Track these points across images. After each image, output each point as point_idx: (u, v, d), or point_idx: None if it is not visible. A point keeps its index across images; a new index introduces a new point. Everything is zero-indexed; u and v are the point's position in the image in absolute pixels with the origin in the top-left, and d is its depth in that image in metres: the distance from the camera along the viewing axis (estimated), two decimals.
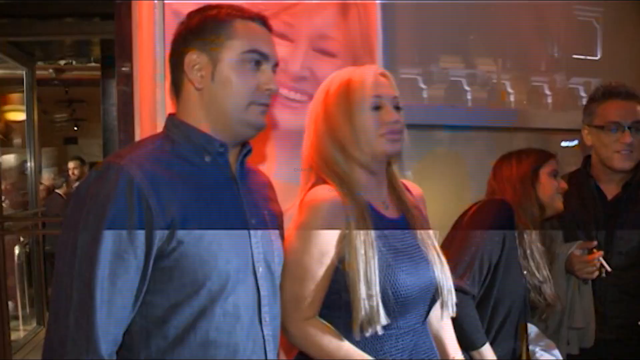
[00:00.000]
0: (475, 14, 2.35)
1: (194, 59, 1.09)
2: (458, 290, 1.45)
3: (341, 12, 1.75)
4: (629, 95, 1.84)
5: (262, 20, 1.15)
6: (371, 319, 1.20)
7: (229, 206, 1.12)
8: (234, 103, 1.10)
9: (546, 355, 1.68)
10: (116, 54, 1.78)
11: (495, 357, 1.57)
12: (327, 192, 1.26)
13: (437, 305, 1.36)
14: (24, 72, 4.25)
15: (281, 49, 1.61)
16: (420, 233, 1.33)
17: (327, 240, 1.23)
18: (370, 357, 1.21)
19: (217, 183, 1.11)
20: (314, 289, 1.23)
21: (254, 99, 1.10)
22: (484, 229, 1.64)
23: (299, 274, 1.23)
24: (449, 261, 1.42)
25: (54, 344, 0.96)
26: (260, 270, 1.13)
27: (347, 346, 1.22)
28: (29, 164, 4.71)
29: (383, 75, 1.32)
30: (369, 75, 1.29)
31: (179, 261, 1.02)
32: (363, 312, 1.19)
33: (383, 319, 1.20)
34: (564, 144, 2.61)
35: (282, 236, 1.25)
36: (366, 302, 1.19)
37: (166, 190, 1.01)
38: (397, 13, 2.10)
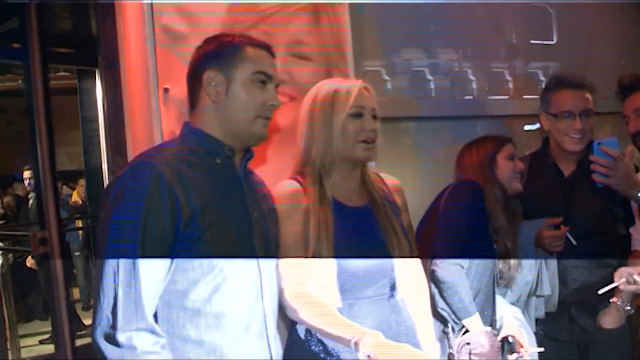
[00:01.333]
0: (433, 6, 2.46)
1: (211, 76, 1.29)
2: (449, 264, 1.65)
3: (314, 19, 1.90)
4: (579, 85, 2.00)
5: (267, 47, 1.35)
6: (329, 292, 1.40)
7: (236, 201, 1.31)
8: (243, 115, 1.30)
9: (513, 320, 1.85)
10: (102, 61, 1.87)
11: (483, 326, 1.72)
12: (289, 186, 1.48)
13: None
14: None
15: None
16: (381, 220, 1.50)
17: (294, 224, 1.43)
18: (348, 333, 1.34)
19: (226, 181, 1.31)
20: (292, 264, 1.42)
21: (260, 112, 1.31)
22: (462, 207, 1.81)
23: (284, 251, 1.42)
24: (439, 239, 1.69)
25: (104, 316, 1.12)
26: (261, 254, 1.32)
27: (329, 317, 1.38)
28: None
29: (366, 89, 1.51)
30: (355, 87, 1.48)
31: (198, 245, 1.20)
32: (322, 285, 1.40)
33: (337, 291, 1.40)
34: (526, 127, 2.76)
35: (277, 227, 1.44)
36: (322, 278, 1.40)
37: (188, 186, 1.19)
38: (364, 12, 2.23)
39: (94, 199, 3.92)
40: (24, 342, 4.59)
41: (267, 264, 1.34)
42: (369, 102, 1.49)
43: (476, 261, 1.77)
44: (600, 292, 1.75)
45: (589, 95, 1.99)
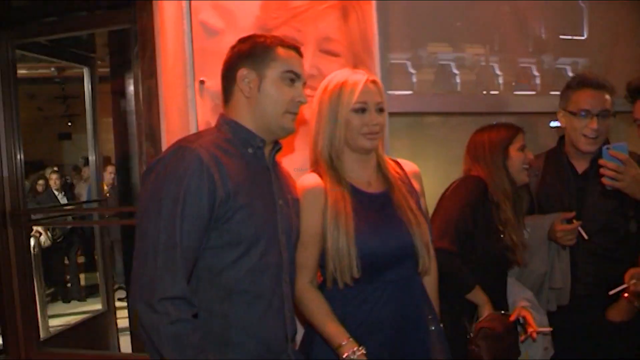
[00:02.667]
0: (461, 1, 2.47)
1: (245, 74, 1.39)
2: (443, 250, 1.71)
3: (342, 16, 1.95)
4: (600, 85, 2.01)
5: (296, 48, 1.45)
6: (341, 273, 1.46)
7: (264, 188, 1.41)
8: (273, 110, 1.40)
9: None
10: (139, 51, 1.93)
11: (485, 296, 1.81)
12: (310, 179, 1.55)
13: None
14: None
15: None
16: (401, 205, 1.55)
17: (313, 216, 1.51)
18: (342, 333, 1.45)
19: (256, 169, 1.41)
20: (308, 256, 1.52)
21: (289, 108, 1.41)
22: (461, 202, 1.87)
23: (299, 245, 1.51)
24: (435, 228, 1.72)
25: (143, 283, 1.22)
26: (283, 240, 1.42)
27: (329, 317, 1.48)
28: None
29: (373, 82, 1.56)
30: (360, 81, 1.53)
31: (229, 225, 1.30)
32: (332, 266, 1.48)
33: (354, 272, 1.46)
34: (552, 124, 2.75)
35: (298, 217, 1.53)
36: (335, 257, 1.47)
37: (223, 170, 1.30)
38: (390, 8, 2.26)
39: (124, 186, 3.99)
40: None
41: (287, 249, 1.43)
42: (375, 96, 1.54)
43: (478, 250, 1.85)
44: (610, 292, 1.82)
45: (608, 97, 2.00)
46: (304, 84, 1.46)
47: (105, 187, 6.88)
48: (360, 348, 1.42)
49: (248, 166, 1.38)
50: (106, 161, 7.72)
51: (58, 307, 5.77)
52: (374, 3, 2.04)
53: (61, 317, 5.21)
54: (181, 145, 1.31)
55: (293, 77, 1.41)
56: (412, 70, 2.54)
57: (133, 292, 1.22)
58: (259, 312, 1.34)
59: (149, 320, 1.19)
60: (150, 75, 1.99)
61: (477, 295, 1.82)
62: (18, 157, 2.98)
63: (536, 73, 2.83)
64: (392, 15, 2.34)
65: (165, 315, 1.18)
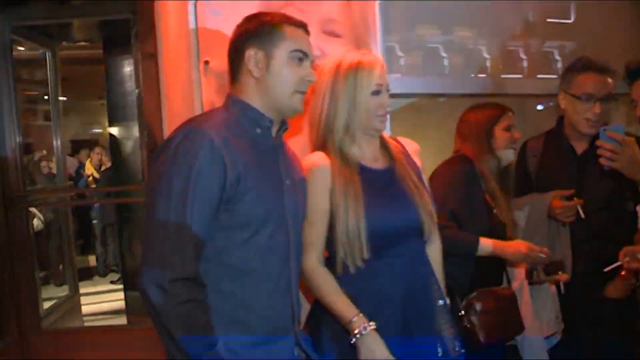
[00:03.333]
0: None
1: (253, 54, 1.37)
2: (440, 225, 1.73)
3: None
4: (603, 69, 2.05)
5: (304, 26, 1.44)
6: (352, 256, 1.50)
7: (272, 168, 1.41)
8: (282, 90, 1.39)
9: None
10: (140, 32, 1.93)
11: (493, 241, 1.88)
12: (317, 158, 1.56)
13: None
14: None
15: None
16: (405, 179, 1.59)
17: (320, 194, 1.52)
18: (352, 309, 1.47)
19: (264, 150, 1.41)
20: (315, 234, 1.53)
21: (297, 87, 1.40)
22: (449, 181, 1.95)
23: (307, 223, 1.52)
24: None
25: (153, 265, 1.22)
26: (290, 220, 1.42)
27: (338, 294, 1.50)
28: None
29: (382, 66, 1.59)
30: (377, 64, 1.56)
31: (239, 206, 1.31)
32: (342, 252, 1.50)
33: (364, 253, 1.49)
34: (539, 107, 2.81)
35: (305, 197, 1.54)
36: (345, 243, 1.49)
37: (233, 152, 1.30)
38: None
39: (119, 168, 4.01)
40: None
41: (294, 229, 1.44)
42: (386, 78, 1.58)
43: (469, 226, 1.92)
44: (605, 270, 1.88)
45: (611, 81, 2.04)
46: (312, 62, 1.45)
47: (93, 169, 6.89)
48: (371, 323, 1.46)
49: (256, 146, 1.38)
50: (93, 143, 7.69)
51: (52, 290, 5.78)
52: None
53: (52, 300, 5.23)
54: (192, 126, 1.31)
55: (301, 56, 1.40)
56: (400, 54, 2.59)
57: (142, 273, 1.22)
58: (267, 291, 1.36)
59: (159, 300, 1.20)
60: (150, 56, 2.01)
61: (486, 246, 1.87)
62: (16, 139, 2.99)
63: (523, 56, 2.84)
64: None
65: (176, 295, 1.20)
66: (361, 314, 1.47)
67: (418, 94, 2.57)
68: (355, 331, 1.45)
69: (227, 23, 1.56)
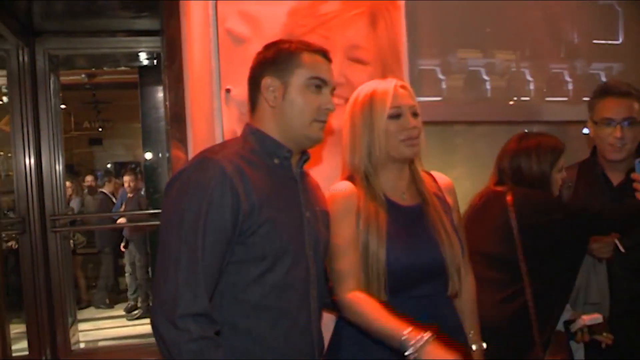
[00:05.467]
0: (492, 3, 2.43)
1: (269, 82, 1.34)
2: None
3: (371, 23, 1.92)
4: (624, 93, 1.96)
5: (323, 53, 1.38)
6: (378, 290, 1.42)
7: (291, 200, 1.36)
8: (300, 119, 1.34)
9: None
10: (166, 59, 1.94)
11: None
12: (343, 187, 1.50)
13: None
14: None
15: None
16: (433, 219, 1.50)
17: (348, 222, 1.46)
18: (404, 325, 1.32)
19: (282, 181, 1.35)
20: (349, 262, 1.44)
21: (316, 116, 1.35)
22: (485, 219, 1.82)
23: (335, 253, 1.46)
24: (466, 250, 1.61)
25: (165, 299, 1.17)
26: (311, 254, 1.35)
27: (386, 316, 1.37)
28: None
29: (403, 87, 1.51)
30: (390, 88, 1.49)
31: (253, 239, 1.25)
32: (371, 283, 1.43)
33: (381, 294, 1.42)
34: (585, 131, 2.67)
35: (328, 229, 1.46)
36: (371, 276, 1.42)
37: (248, 183, 1.24)
38: (419, 13, 2.23)
39: (152, 191, 4.07)
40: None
41: (315, 263, 1.36)
42: (407, 100, 1.49)
43: None
44: None
45: (635, 104, 1.95)
46: (333, 90, 1.40)
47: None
48: (427, 333, 1.31)
49: (274, 177, 1.32)
50: (133, 166, 7.82)
51: (87, 311, 5.86)
52: (403, 9, 2.01)
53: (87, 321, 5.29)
54: (205, 157, 1.26)
55: (319, 84, 1.34)
56: (441, 77, 2.52)
57: (154, 307, 1.19)
58: (284, 329, 1.29)
59: (170, 336, 1.15)
60: (177, 84, 2.01)
61: None
62: (59, 162, 3.06)
63: (568, 79, 2.76)
64: (421, 21, 2.32)
65: (187, 332, 1.15)
66: (412, 327, 1.33)
67: (459, 122, 2.49)
68: (411, 343, 1.29)
69: (249, 51, 1.55)
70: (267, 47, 1.40)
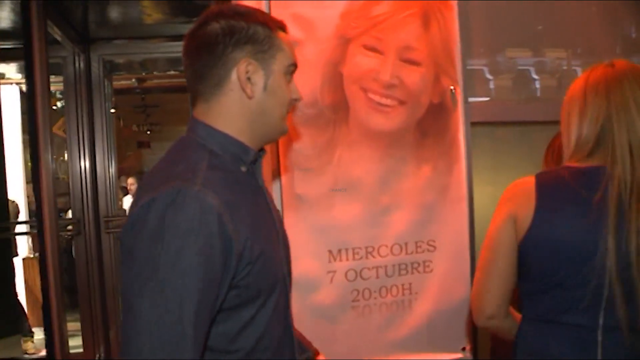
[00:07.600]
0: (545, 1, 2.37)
1: (250, 69, 1.03)
2: None
3: (423, 24, 1.91)
4: None
5: (285, 29, 1.11)
6: None
7: (266, 218, 1.08)
8: (279, 112, 1.07)
9: None
10: None
11: None
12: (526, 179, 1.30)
13: None
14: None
15: (372, 60, 1.83)
16: None
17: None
18: None
19: (253, 196, 1.06)
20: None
21: (288, 108, 1.10)
22: None
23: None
24: None
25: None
26: (285, 269, 1.12)
27: None
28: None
29: None
30: None
31: (246, 282, 0.97)
32: None
33: None
34: None
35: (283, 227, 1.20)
36: None
37: (234, 213, 0.94)
38: (469, 13, 2.20)
39: None
40: None
41: (288, 275, 1.14)
42: None
43: None
44: None
45: None
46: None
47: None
48: None
49: (246, 193, 1.03)
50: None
51: None
52: (456, 9, 1.98)
53: None
54: (180, 189, 0.90)
55: (294, 70, 1.09)
56: (489, 77, 2.48)
57: None
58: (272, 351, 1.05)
59: None
60: None
61: None
62: (111, 164, 3.18)
63: None
64: (471, 21, 2.29)
65: None
66: None
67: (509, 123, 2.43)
68: None
69: (303, 54, 1.55)
70: (227, 12, 1.03)
